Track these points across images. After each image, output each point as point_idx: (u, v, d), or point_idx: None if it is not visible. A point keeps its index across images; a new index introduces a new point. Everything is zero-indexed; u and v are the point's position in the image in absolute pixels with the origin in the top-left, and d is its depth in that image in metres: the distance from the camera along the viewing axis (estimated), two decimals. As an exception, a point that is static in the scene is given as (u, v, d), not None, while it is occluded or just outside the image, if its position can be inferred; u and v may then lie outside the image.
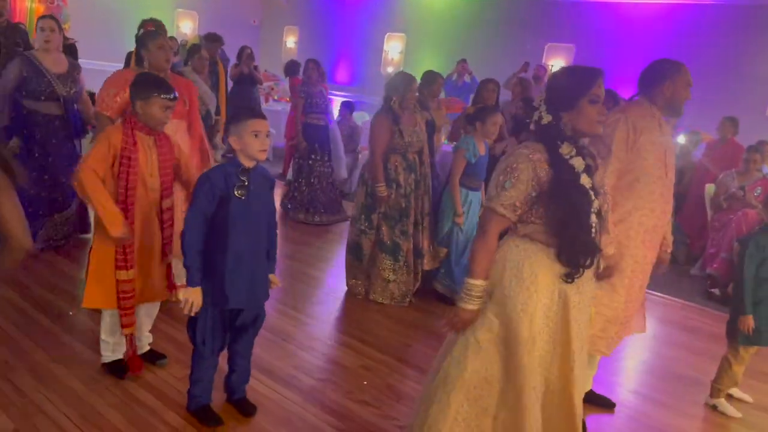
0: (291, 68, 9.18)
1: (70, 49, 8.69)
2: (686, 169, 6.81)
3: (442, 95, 9.63)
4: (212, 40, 7.27)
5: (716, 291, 5.47)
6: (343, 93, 10.98)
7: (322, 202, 6.49)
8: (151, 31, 3.57)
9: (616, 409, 3.29)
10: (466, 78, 9.25)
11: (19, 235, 1.79)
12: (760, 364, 4.15)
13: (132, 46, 3.74)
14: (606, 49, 10.42)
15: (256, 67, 8.79)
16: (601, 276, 2.80)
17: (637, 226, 2.81)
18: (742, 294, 3.25)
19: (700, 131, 7.31)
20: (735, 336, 3.35)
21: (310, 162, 6.49)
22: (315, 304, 4.28)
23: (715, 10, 9.43)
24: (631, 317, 2.99)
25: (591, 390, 3.25)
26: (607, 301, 2.87)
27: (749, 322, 3.23)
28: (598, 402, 3.28)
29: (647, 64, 2.91)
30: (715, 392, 3.46)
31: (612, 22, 10.48)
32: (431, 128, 4.77)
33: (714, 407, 3.45)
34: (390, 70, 11.36)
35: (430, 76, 5.26)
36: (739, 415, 3.39)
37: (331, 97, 9.30)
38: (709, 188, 6.38)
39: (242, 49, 8.62)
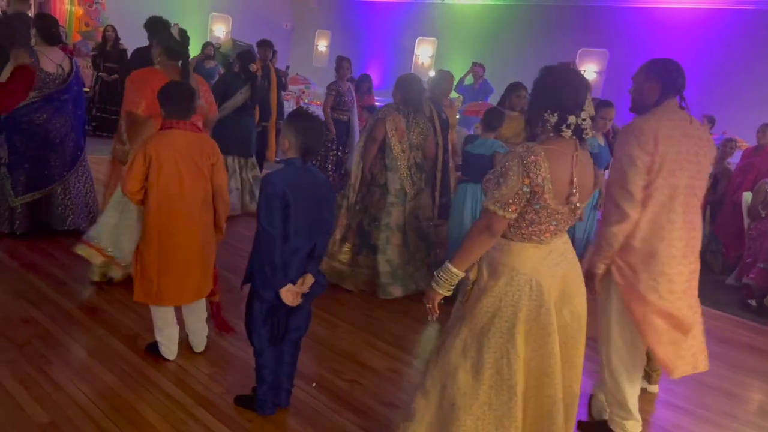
0: (362, 84, 8.46)
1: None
2: (722, 177, 6.67)
3: (459, 99, 9.63)
4: (264, 45, 7.32)
5: (753, 302, 5.33)
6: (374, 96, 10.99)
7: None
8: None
9: (650, 420, 3.23)
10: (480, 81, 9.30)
11: None
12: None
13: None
14: (640, 54, 10.27)
15: (285, 71, 8.90)
16: None
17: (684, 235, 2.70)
18: None
19: (736, 138, 7.15)
20: None
21: (324, 150, 7.02)
22: (342, 305, 4.29)
23: (752, 16, 9.24)
24: (694, 326, 2.90)
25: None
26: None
27: None
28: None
29: (682, 69, 2.77)
30: None
31: (646, 27, 10.33)
32: (445, 127, 4.76)
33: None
34: (431, 73, 11.33)
35: (438, 75, 5.33)
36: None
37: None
38: (746, 196, 6.23)
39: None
